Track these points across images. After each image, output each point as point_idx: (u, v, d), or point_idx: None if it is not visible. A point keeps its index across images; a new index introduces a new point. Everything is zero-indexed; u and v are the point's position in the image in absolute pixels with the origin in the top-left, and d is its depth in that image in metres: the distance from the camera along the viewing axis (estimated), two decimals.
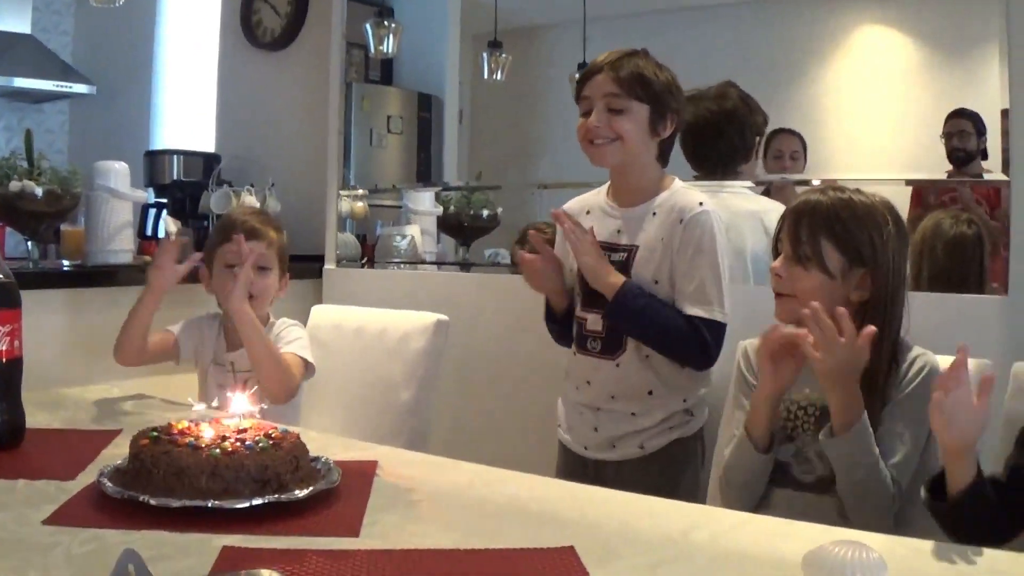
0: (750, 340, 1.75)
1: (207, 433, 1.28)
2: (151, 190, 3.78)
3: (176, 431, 1.29)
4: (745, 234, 2.29)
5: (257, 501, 1.18)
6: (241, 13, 4.03)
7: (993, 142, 2.47)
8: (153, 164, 3.97)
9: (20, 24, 4.62)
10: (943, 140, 2.73)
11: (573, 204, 2.10)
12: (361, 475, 1.40)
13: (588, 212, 2.04)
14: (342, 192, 3.34)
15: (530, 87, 3.95)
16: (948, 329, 1.78)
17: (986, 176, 2.59)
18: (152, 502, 1.17)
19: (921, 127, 2.94)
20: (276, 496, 1.20)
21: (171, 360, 2.20)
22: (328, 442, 1.58)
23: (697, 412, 1.96)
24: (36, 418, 1.66)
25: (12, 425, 1.53)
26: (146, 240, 3.19)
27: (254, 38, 3.98)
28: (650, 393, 1.93)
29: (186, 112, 4.44)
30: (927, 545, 1.14)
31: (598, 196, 2.07)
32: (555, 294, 2.06)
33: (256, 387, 1.61)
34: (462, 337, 2.39)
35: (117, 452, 1.44)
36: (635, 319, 1.89)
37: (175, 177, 3.86)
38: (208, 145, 4.14)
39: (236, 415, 1.35)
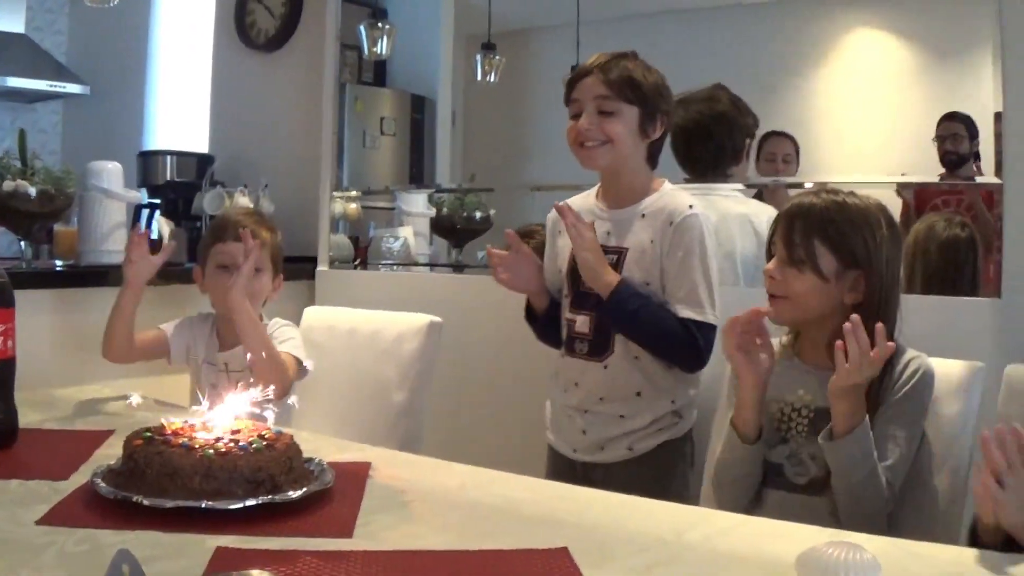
0: None
1: (201, 434, 1.28)
2: (144, 190, 3.77)
3: (169, 432, 1.29)
4: (735, 236, 2.29)
5: (251, 502, 1.19)
6: (235, 14, 4.01)
7: (986, 145, 2.47)
8: (146, 164, 3.95)
9: (14, 23, 4.60)
10: (935, 143, 2.73)
11: None
12: (354, 476, 1.40)
13: None
14: (335, 193, 3.34)
15: (523, 89, 3.95)
16: (941, 331, 1.79)
17: (978, 179, 2.59)
18: (145, 502, 1.17)
19: (913, 130, 2.95)
20: (269, 497, 1.20)
21: (162, 357, 2.20)
22: (321, 443, 1.58)
23: (686, 414, 1.96)
24: (29, 418, 1.66)
25: (5, 425, 1.53)
26: None
27: (248, 39, 3.97)
28: (638, 395, 1.93)
29: (180, 113, 4.42)
30: (919, 546, 1.15)
31: (588, 198, 2.07)
32: (534, 294, 2.06)
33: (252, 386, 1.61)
34: (455, 339, 2.39)
35: (110, 452, 1.45)
36: (631, 319, 1.88)
37: (168, 177, 3.84)
38: (202, 146, 4.13)
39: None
